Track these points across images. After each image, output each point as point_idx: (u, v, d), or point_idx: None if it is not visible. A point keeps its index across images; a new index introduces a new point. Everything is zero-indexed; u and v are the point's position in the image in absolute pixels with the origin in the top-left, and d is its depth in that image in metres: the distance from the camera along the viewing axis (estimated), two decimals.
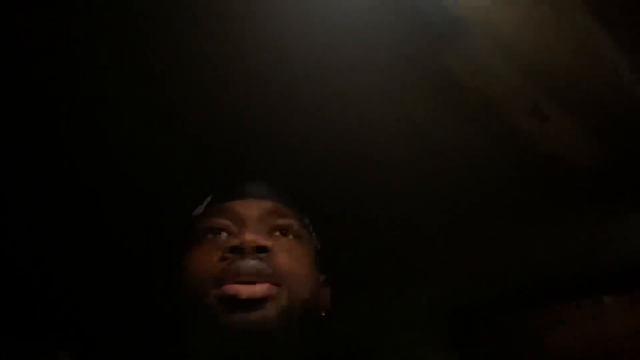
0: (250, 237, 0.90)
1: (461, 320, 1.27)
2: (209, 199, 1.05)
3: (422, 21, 0.98)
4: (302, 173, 1.19)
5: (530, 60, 0.98)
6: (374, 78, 1.06)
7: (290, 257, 0.94)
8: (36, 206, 1.20)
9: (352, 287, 1.24)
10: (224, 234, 0.96)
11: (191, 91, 1.13)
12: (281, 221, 0.99)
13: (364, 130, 1.13)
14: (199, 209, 1.05)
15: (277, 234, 0.97)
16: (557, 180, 1.10)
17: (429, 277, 1.28)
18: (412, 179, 1.16)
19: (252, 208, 0.98)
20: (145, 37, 1.06)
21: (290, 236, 0.98)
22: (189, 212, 1.07)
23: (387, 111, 1.10)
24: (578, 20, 0.94)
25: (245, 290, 0.85)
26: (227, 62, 1.09)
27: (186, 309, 0.90)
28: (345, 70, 1.06)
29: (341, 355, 1.19)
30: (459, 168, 1.13)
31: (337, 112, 1.12)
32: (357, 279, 1.27)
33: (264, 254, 0.89)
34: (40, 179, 1.18)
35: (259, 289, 0.85)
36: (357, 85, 1.08)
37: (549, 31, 0.96)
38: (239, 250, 0.89)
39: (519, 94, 1.01)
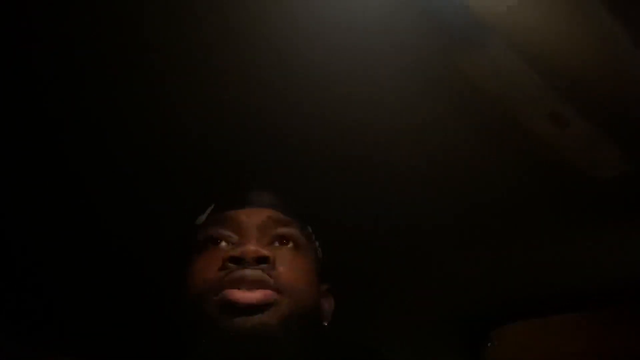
0: (251, 247, 0.90)
1: (474, 328, 1.24)
2: (211, 207, 1.04)
3: (437, 24, 0.94)
4: (310, 179, 1.16)
5: (549, 64, 0.93)
6: (385, 82, 1.02)
7: (291, 267, 0.93)
8: (40, 212, 1.19)
9: (359, 296, 1.21)
10: (224, 244, 0.96)
11: (196, 95, 1.10)
12: (283, 230, 0.98)
13: (374, 134, 1.09)
14: (201, 218, 1.04)
15: (278, 243, 0.97)
16: (574, 189, 1.05)
17: (440, 284, 1.24)
18: (425, 184, 1.13)
19: (253, 217, 0.98)
20: (147, 39, 1.03)
21: (292, 246, 0.98)
22: (193, 220, 1.06)
23: (398, 116, 1.06)
24: (600, 22, 0.89)
25: (245, 296, 0.85)
26: (233, 64, 1.05)
27: (187, 316, 0.91)
28: (356, 73, 1.03)
29: None
30: (472, 174, 1.09)
31: (347, 116, 1.08)
32: (364, 287, 1.25)
33: (264, 265, 0.88)
34: (43, 184, 1.16)
35: (258, 295, 0.85)
36: (368, 89, 1.04)
37: (569, 33, 0.91)
38: (239, 261, 0.88)
39: (536, 98, 0.97)
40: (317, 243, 1.08)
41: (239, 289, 0.85)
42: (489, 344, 1.20)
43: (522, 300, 1.18)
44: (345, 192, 1.16)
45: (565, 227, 1.12)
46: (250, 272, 0.87)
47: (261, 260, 0.89)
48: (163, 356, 1.06)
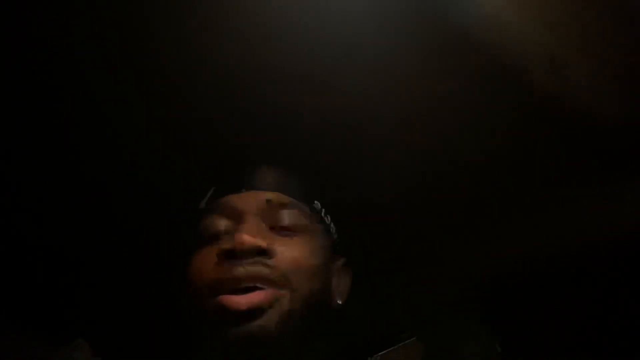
0: (247, 238, 0.84)
1: (495, 295, 1.17)
2: (211, 191, 1.00)
3: None
4: (313, 152, 1.11)
5: (544, 6, 0.83)
6: (375, 38, 0.94)
7: (294, 253, 0.87)
8: (37, 205, 1.20)
9: (373, 271, 1.17)
10: (222, 234, 0.90)
11: (191, 74, 1.06)
12: (284, 213, 0.92)
13: (369, 97, 1.02)
14: (202, 203, 1.01)
15: (280, 227, 0.91)
16: (579, 138, 0.96)
17: (454, 253, 1.18)
18: (432, 146, 1.05)
19: (251, 201, 0.92)
20: (144, 22, 1.00)
21: (295, 229, 0.92)
22: (196, 204, 1.03)
23: (392, 74, 0.98)
24: None
25: (242, 301, 0.79)
26: (229, 41, 1.01)
27: (188, 314, 0.88)
28: (347, 34, 0.96)
29: (365, 341, 1.14)
30: (477, 131, 1.01)
31: (343, 82, 1.01)
32: (379, 261, 1.20)
33: (261, 257, 0.83)
34: (41, 173, 1.16)
35: (256, 298, 0.80)
36: (356, 46, 0.96)
37: None
38: (233, 255, 0.83)
39: (533, 42, 0.87)
40: (328, 218, 1.03)
41: (234, 291, 0.80)
42: (514, 310, 1.13)
43: (544, 265, 1.10)
44: (349, 162, 1.10)
45: (578, 182, 1.02)
46: (246, 268, 0.82)
47: (258, 251, 0.84)
48: (164, 355, 1.06)
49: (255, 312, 0.80)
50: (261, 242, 0.85)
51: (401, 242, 1.18)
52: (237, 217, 0.92)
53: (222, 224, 0.92)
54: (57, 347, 1.14)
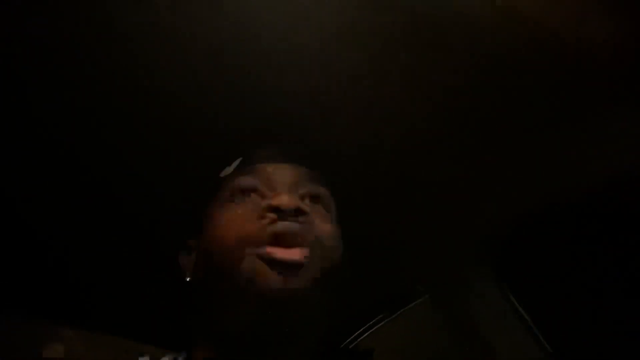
0: (290, 198, 0.88)
1: (504, 246, 1.20)
2: (238, 160, 1.02)
3: None
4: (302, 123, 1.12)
5: None
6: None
7: (323, 222, 0.92)
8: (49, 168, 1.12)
9: (377, 234, 1.20)
10: (255, 196, 0.94)
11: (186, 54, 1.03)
12: (312, 187, 0.97)
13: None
14: (228, 170, 1.02)
15: (309, 200, 0.96)
16: (572, 68, 0.96)
17: (459, 205, 1.19)
18: (430, 84, 1.02)
19: (284, 171, 0.97)
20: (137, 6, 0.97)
21: (321, 203, 0.97)
22: (213, 173, 1.04)
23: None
24: None
25: (288, 254, 0.83)
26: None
27: (213, 272, 0.88)
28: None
29: (374, 301, 1.17)
30: (469, 66, 0.99)
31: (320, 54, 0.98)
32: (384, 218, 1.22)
33: (302, 218, 0.88)
34: (37, 143, 1.09)
35: (301, 253, 0.84)
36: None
37: None
38: (278, 211, 0.87)
39: None
40: (332, 198, 1.09)
41: (280, 245, 0.84)
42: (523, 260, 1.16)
43: (549, 212, 1.12)
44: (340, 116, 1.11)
45: (570, 119, 1.04)
46: (291, 225, 0.86)
47: (299, 212, 0.88)
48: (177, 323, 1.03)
49: (300, 266, 0.84)
50: (303, 205, 0.89)
51: (405, 197, 1.19)
52: (271, 183, 0.95)
53: (257, 185, 0.95)
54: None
